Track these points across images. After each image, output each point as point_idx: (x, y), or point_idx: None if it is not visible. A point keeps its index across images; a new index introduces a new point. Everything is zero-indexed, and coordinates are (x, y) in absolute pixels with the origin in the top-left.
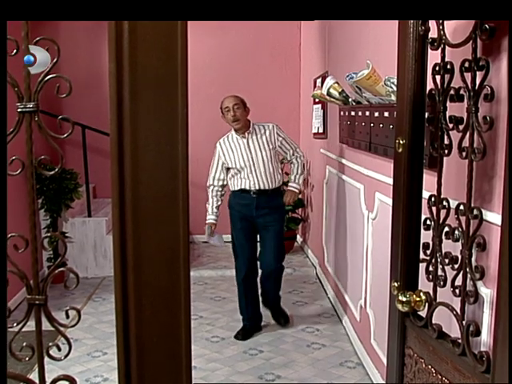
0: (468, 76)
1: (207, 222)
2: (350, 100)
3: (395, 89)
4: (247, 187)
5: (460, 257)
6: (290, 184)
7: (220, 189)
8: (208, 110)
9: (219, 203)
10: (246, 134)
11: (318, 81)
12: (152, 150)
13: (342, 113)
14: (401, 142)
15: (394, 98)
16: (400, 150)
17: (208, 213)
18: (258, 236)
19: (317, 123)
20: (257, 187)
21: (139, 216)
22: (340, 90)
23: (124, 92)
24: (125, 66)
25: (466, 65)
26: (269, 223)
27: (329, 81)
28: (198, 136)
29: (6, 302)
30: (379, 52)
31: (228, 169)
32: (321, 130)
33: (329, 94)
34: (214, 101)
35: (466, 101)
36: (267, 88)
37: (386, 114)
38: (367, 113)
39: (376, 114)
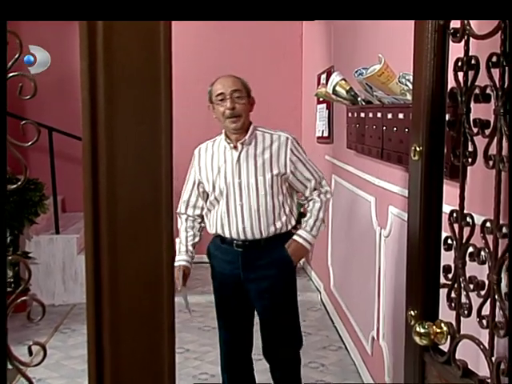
0: (496, 73)
1: (175, 263)
2: (359, 99)
3: (411, 87)
4: (227, 234)
5: (487, 282)
6: (299, 232)
7: (198, 219)
8: (194, 110)
9: (196, 240)
10: (239, 144)
11: (323, 77)
12: (131, 160)
13: (349, 114)
14: (417, 148)
15: (409, 97)
16: (416, 157)
17: (178, 251)
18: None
19: (321, 126)
20: (241, 236)
21: (116, 234)
22: (348, 88)
23: (98, 94)
24: (99, 64)
25: (494, 59)
26: (266, 292)
27: (335, 77)
28: (185, 141)
29: (6, 305)
30: (393, 44)
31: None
32: (326, 134)
33: (335, 92)
34: (202, 99)
35: (493, 101)
36: (263, 85)
37: (401, 115)
38: (379, 114)
39: (389, 116)
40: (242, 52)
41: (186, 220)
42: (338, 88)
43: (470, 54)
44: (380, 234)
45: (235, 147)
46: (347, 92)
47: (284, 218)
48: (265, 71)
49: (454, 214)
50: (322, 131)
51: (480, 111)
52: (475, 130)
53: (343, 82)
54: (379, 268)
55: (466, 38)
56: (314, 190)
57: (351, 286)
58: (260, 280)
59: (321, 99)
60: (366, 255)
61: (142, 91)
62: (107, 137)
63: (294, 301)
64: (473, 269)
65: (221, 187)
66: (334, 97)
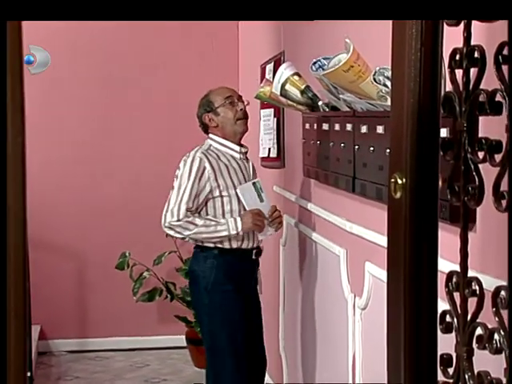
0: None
1: (233, 225)
2: (319, 104)
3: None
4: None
5: (505, 380)
6: None
7: None
8: (68, 121)
9: None
10: (247, 155)
11: (269, 68)
12: None
13: (307, 125)
14: (398, 180)
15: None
16: (398, 194)
17: (215, 226)
18: None
19: (267, 141)
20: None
21: None
22: (303, 87)
23: None
24: None
25: (506, 51)
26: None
27: (283, 71)
28: (49, 171)
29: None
30: (367, 24)
31: None
32: (273, 154)
33: (284, 92)
34: (78, 106)
35: (505, 113)
36: (180, 82)
37: (380, 129)
38: (348, 126)
39: (363, 129)
40: (150, 37)
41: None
42: (288, 87)
43: (473, 42)
44: (354, 305)
45: (247, 158)
46: (302, 93)
47: None
48: (183, 63)
49: (454, 278)
50: (269, 150)
51: (488, 127)
52: (481, 154)
53: (296, 77)
54: (353, 354)
55: (466, 20)
56: None
57: (314, 381)
58: None
59: (266, 102)
60: (335, 336)
61: None
62: None
63: None
64: (484, 360)
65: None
66: (283, 99)
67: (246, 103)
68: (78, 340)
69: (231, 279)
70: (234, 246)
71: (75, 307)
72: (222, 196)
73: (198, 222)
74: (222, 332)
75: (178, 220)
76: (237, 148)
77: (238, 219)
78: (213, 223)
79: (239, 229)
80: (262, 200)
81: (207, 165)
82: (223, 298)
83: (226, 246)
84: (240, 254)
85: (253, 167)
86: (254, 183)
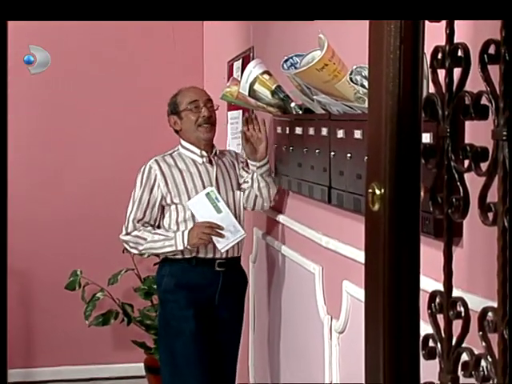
0: (496, 71)
1: (179, 238)
2: (292, 106)
3: None
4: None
5: None
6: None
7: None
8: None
9: None
10: (213, 157)
11: (237, 65)
12: None
13: (278, 129)
14: (376, 191)
15: None
16: (376, 206)
17: (164, 240)
18: None
19: (235, 146)
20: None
21: None
22: (273, 87)
23: None
24: None
25: (492, 50)
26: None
27: (252, 69)
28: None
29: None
30: (345, 21)
31: None
32: (241, 159)
33: (253, 93)
34: (21, 109)
35: (491, 117)
36: (138, 83)
37: (358, 133)
38: (324, 131)
39: (339, 134)
40: (101, 33)
41: (146, 226)
42: (257, 86)
43: (456, 40)
44: (330, 328)
45: (210, 161)
46: (273, 93)
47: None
48: (140, 61)
49: (438, 299)
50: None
51: (474, 133)
52: (466, 162)
53: (266, 76)
54: (330, 382)
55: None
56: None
57: None
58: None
59: (233, 103)
60: (309, 363)
61: None
62: None
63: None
64: None
65: None
66: (251, 100)
67: (215, 108)
68: (23, 370)
69: (183, 288)
70: (187, 255)
71: (19, 333)
72: (175, 204)
73: (147, 236)
74: (174, 345)
75: (127, 234)
76: (197, 151)
77: (186, 233)
78: (161, 238)
79: (185, 244)
80: (219, 211)
81: (158, 172)
82: (173, 308)
83: (178, 255)
84: (197, 263)
85: (220, 171)
86: (207, 194)
